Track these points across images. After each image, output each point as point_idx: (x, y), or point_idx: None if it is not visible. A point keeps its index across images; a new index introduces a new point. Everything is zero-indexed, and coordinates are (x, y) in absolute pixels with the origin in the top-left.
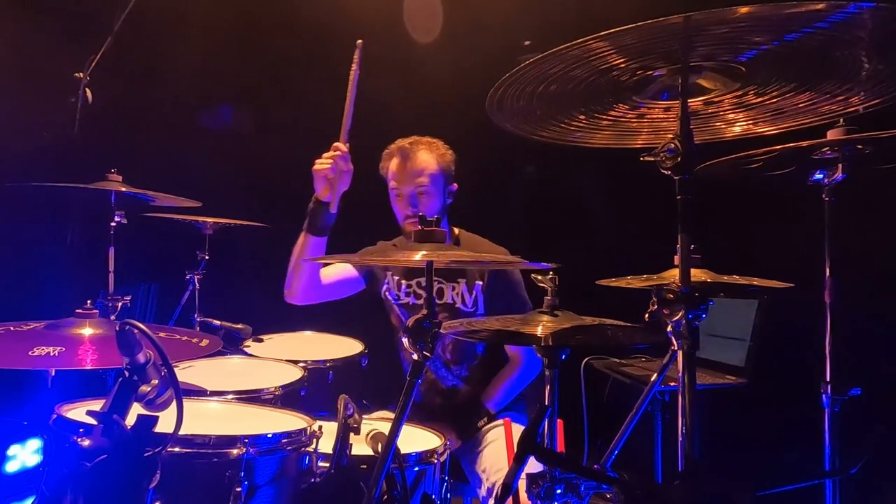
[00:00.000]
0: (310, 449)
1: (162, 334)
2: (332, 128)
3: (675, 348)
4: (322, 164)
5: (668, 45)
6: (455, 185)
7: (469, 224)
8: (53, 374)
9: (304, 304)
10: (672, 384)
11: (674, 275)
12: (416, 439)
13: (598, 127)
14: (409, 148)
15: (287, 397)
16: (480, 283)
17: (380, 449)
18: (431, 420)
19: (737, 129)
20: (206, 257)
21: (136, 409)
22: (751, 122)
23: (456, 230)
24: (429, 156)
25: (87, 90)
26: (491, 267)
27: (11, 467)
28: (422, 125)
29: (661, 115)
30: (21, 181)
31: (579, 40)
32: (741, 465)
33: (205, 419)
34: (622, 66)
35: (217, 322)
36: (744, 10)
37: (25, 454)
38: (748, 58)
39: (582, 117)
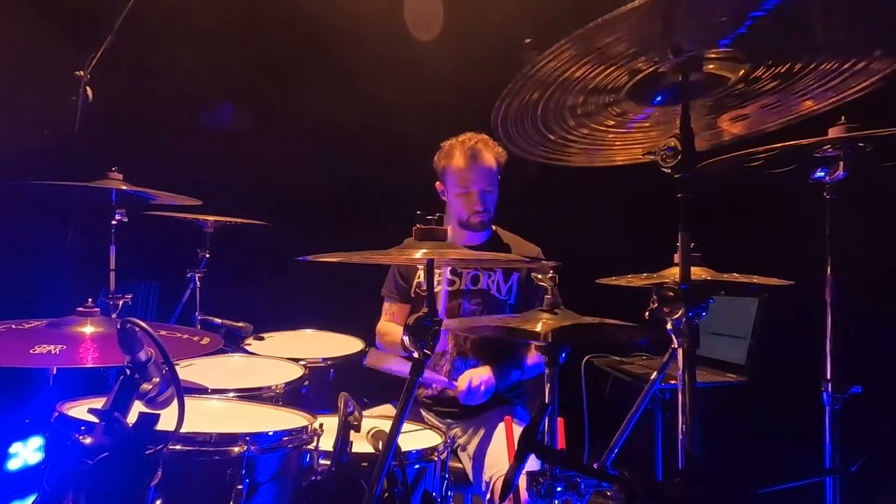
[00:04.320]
0: (311, 447)
1: (163, 332)
2: (331, 125)
3: (676, 346)
4: None
5: (651, 30)
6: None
7: None
8: (55, 372)
9: None
10: (672, 382)
11: (674, 273)
12: (417, 437)
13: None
14: (477, 148)
15: (288, 395)
16: (518, 273)
17: (380, 447)
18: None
19: (747, 124)
20: (207, 255)
21: (137, 407)
22: (758, 116)
23: (493, 226)
24: (489, 153)
25: (88, 88)
26: (489, 265)
27: (13, 465)
28: (423, 123)
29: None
30: (22, 179)
31: (552, 49)
32: (742, 462)
33: (206, 417)
34: (614, 71)
35: (218, 320)
36: None
37: (27, 452)
38: (740, 33)
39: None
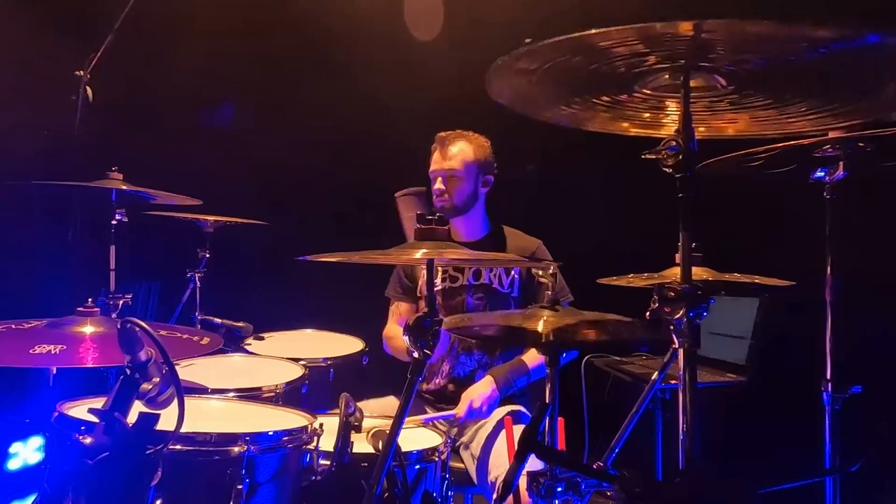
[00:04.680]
0: (311, 447)
1: (163, 332)
2: (331, 125)
3: (676, 346)
4: None
5: (674, 47)
6: (491, 177)
7: None
8: (55, 372)
9: None
10: (673, 382)
11: (675, 273)
12: (417, 437)
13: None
14: (447, 136)
15: (288, 395)
16: (519, 266)
17: (381, 447)
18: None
19: (737, 127)
20: (207, 255)
21: (137, 407)
22: (753, 121)
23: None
24: (466, 145)
25: (88, 88)
26: (489, 265)
27: (13, 465)
28: (423, 123)
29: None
30: (22, 179)
31: (580, 34)
32: (742, 462)
33: (206, 417)
34: (621, 60)
35: (218, 320)
36: (754, 27)
37: (27, 452)
38: (755, 67)
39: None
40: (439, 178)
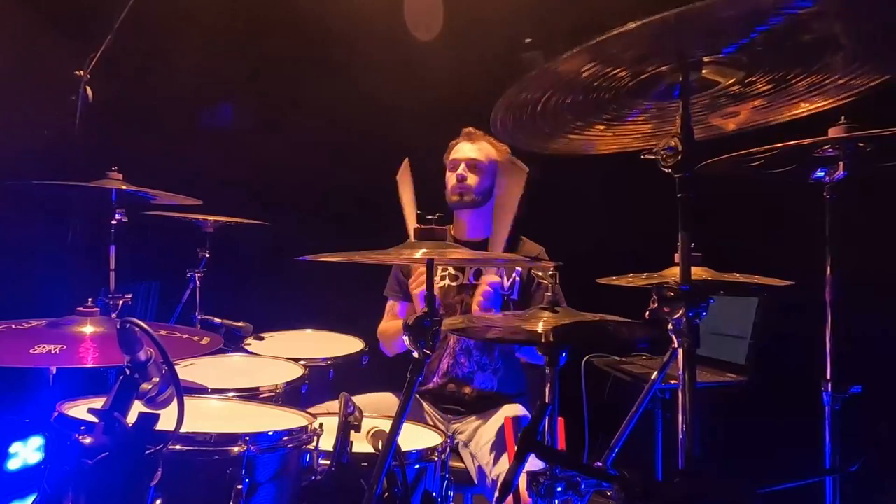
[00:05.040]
0: (310, 446)
1: (163, 332)
2: (331, 125)
3: (676, 346)
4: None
5: (663, 44)
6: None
7: None
8: (55, 371)
9: None
10: (672, 382)
11: (674, 273)
12: (417, 437)
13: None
14: (474, 132)
15: (288, 395)
16: (519, 268)
17: (380, 447)
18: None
19: (740, 120)
20: (207, 255)
21: (137, 407)
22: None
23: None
24: (489, 145)
25: (88, 88)
26: (490, 265)
27: (13, 465)
28: (423, 123)
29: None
30: (22, 179)
31: (564, 56)
32: (742, 462)
33: (206, 417)
34: (619, 73)
35: (218, 320)
36: None
37: (27, 452)
38: (748, 41)
39: (600, 126)
40: (463, 165)
